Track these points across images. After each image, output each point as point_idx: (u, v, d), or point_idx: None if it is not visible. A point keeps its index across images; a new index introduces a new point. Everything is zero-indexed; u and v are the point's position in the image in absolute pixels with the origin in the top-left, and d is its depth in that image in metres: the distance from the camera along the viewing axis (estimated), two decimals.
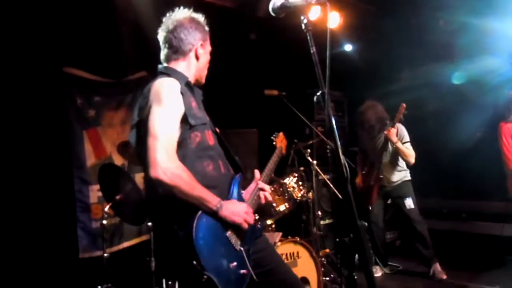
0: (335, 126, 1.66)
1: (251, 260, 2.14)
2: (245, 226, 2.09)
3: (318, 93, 1.74)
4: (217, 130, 2.36)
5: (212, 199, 2.00)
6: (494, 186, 4.44)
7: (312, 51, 1.77)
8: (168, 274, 3.56)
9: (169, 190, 1.94)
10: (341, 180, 1.59)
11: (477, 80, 5.11)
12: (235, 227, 2.08)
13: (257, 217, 3.53)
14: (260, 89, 4.00)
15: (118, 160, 4.49)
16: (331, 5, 1.83)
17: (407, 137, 4.74)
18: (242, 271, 2.07)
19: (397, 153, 4.70)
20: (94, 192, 4.39)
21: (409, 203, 4.66)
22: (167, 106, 2.02)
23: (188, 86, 2.24)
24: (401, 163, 4.80)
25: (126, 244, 4.60)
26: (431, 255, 4.49)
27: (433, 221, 6.12)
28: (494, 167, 4.49)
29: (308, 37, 1.82)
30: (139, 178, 4.68)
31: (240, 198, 2.24)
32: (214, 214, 2.01)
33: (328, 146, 4.35)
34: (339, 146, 1.63)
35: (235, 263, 2.04)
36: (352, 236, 1.53)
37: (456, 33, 5.20)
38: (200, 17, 2.33)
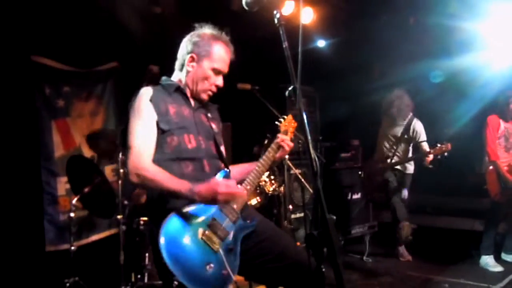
0: (306, 121, 1.68)
1: (237, 257, 2.08)
2: (231, 200, 2.08)
3: (290, 88, 1.75)
4: (215, 127, 2.40)
5: (182, 187, 2.00)
6: (468, 183, 4.55)
7: (284, 46, 1.78)
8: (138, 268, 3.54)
9: (147, 188, 2.17)
10: (312, 174, 1.60)
11: (455, 78, 5.23)
12: (212, 227, 2.04)
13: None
14: (233, 83, 3.99)
15: (87, 152, 4.41)
16: (304, 1, 1.84)
17: (424, 136, 4.99)
18: (223, 271, 2.02)
19: (409, 145, 5.11)
20: (62, 184, 4.31)
21: (405, 193, 5.14)
22: (138, 116, 2.16)
23: (180, 92, 2.32)
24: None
25: (95, 238, 4.54)
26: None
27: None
28: (468, 165, 4.58)
29: (281, 32, 1.82)
30: (108, 170, 4.62)
31: None
32: (193, 200, 2.00)
33: (299, 141, 4.37)
34: (310, 141, 1.64)
35: (212, 265, 1.98)
36: (321, 230, 1.54)
37: (427, 32, 5.30)
38: (212, 34, 2.33)
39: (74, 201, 3.56)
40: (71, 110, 4.50)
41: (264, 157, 2.35)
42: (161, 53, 3.72)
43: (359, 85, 6.23)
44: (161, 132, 2.16)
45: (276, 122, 2.64)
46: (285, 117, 2.67)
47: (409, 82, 5.59)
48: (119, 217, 3.53)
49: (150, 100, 2.17)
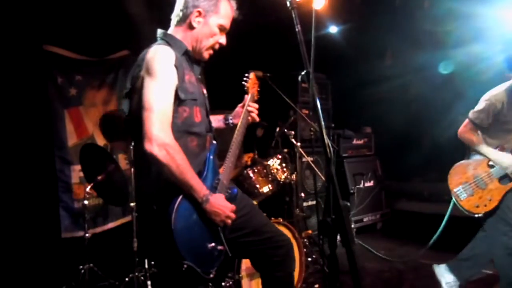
0: (319, 107, 1.66)
1: (227, 232, 2.12)
2: (221, 226, 2.06)
3: (303, 73, 1.73)
4: (205, 92, 2.31)
5: (200, 189, 1.96)
6: None
7: (297, 29, 1.75)
8: (150, 255, 3.57)
9: (160, 166, 1.89)
10: (326, 160, 1.59)
11: (465, 68, 5.11)
12: None
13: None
14: (245, 70, 3.96)
15: (100, 140, 4.44)
16: None
17: None
18: (219, 247, 2.07)
19: None
20: (76, 172, 4.35)
21: None
22: (160, 79, 1.95)
23: (187, 56, 2.17)
24: None
25: (110, 225, 4.59)
26: None
27: (414, 203, 6.26)
28: None
29: (293, 15, 1.79)
30: (121, 159, 4.65)
31: (215, 168, 2.17)
32: (197, 204, 1.98)
33: (311, 129, 4.35)
34: (323, 126, 1.62)
35: (213, 244, 2.04)
36: (334, 216, 1.54)
37: (443, 19, 5.20)
38: None
39: (88, 189, 3.59)
40: (83, 98, 4.52)
41: (238, 127, 2.37)
42: None
43: (371, 72, 6.15)
44: (177, 101, 2.01)
45: (243, 82, 2.60)
46: (248, 74, 2.63)
47: (423, 69, 5.52)
48: (132, 204, 3.56)
49: (175, 66, 2.00)
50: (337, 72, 6.02)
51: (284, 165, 3.87)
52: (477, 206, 3.35)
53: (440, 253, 4.59)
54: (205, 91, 2.30)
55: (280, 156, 3.88)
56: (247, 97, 2.50)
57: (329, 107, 6.01)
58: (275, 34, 5.05)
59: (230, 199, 2.16)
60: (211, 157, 2.16)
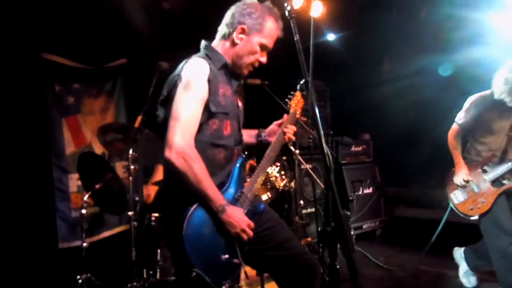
0: (318, 115, 1.65)
1: (245, 248, 2.10)
2: (236, 238, 2.04)
3: (302, 82, 1.72)
4: (240, 105, 2.34)
5: (216, 199, 1.97)
6: None
7: (295, 39, 1.76)
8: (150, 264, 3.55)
9: (178, 174, 1.94)
10: (325, 169, 1.58)
11: (463, 74, 5.11)
12: None
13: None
14: (243, 78, 3.96)
15: (98, 149, 4.43)
16: None
17: None
18: (235, 260, 2.05)
19: None
20: (74, 181, 4.33)
21: None
22: (192, 90, 2.01)
23: (226, 69, 2.20)
24: None
25: (106, 234, 4.56)
26: None
27: (413, 210, 6.24)
28: None
29: (292, 24, 1.80)
30: (119, 167, 4.63)
31: (240, 181, 2.18)
32: (213, 213, 1.98)
33: (310, 136, 4.34)
34: (322, 135, 1.62)
35: (227, 255, 2.03)
36: (334, 226, 1.52)
37: (440, 24, 5.22)
38: (266, 7, 2.21)
39: (85, 198, 3.56)
40: (81, 107, 4.52)
41: (273, 143, 2.35)
42: (170, 49, 3.71)
43: (369, 79, 6.16)
44: (208, 113, 2.06)
45: (286, 100, 2.58)
46: (293, 93, 2.59)
47: (419, 75, 5.53)
48: (130, 213, 3.53)
49: (208, 80, 2.05)
50: (335, 79, 6.03)
51: (283, 172, 3.87)
52: (472, 209, 3.51)
53: (440, 259, 4.59)
54: (240, 104, 2.33)
55: (279, 164, 3.87)
56: (287, 116, 2.46)
57: (328, 114, 6.01)
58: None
59: (254, 213, 2.16)
60: (237, 169, 2.18)
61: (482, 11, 4.69)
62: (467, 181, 3.52)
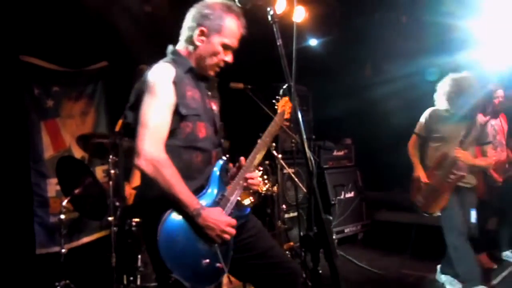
0: (301, 119, 1.65)
1: (230, 251, 2.08)
2: (218, 242, 2.01)
3: (284, 86, 1.72)
4: (215, 109, 2.28)
5: (190, 204, 1.94)
6: None
7: (278, 43, 1.75)
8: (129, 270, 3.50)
9: (149, 180, 1.93)
10: (308, 173, 1.58)
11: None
12: None
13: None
14: (226, 82, 3.95)
15: (78, 153, 4.36)
16: None
17: (490, 136, 4.05)
18: (217, 264, 2.02)
19: (472, 150, 3.87)
20: (52, 186, 4.25)
21: (474, 216, 3.78)
22: (158, 95, 1.98)
23: (192, 73, 2.16)
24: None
25: (86, 240, 4.49)
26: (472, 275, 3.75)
27: (394, 213, 6.28)
28: None
29: (275, 29, 1.79)
30: (99, 171, 4.57)
31: (221, 184, 2.14)
32: (189, 218, 1.95)
33: (293, 140, 4.35)
34: (305, 140, 1.61)
35: (208, 260, 1.99)
36: (316, 230, 1.52)
37: (420, 30, 5.28)
38: (224, 5, 2.14)
39: (64, 203, 3.50)
40: (60, 110, 4.45)
41: (257, 145, 2.33)
42: (152, 52, 3.67)
43: (351, 84, 6.21)
44: (179, 116, 2.03)
45: (273, 101, 2.57)
46: (281, 97, 2.56)
47: (401, 80, 5.59)
48: (110, 218, 3.48)
49: (174, 82, 2.02)
50: (318, 83, 6.06)
51: (265, 177, 3.86)
52: (432, 207, 3.89)
53: (421, 263, 4.63)
54: (214, 107, 2.29)
55: (261, 168, 3.85)
56: (244, 160, 2.30)
57: (310, 118, 6.04)
58: (255, 45, 5.06)
59: (239, 217, 2.13)
60: (217, 172, 2.14)
61: (465, 18, 4.78)
62: (426, 183, 3.89)
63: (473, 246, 3.96)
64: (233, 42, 2.18)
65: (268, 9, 1.81)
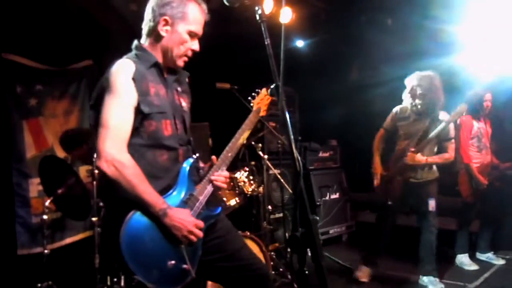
0: (289, 120, 1.64)
1: (198, 253, 2.04)
2: (185, 242, 1.96)
3: (272, 86, 1.71)
4: (185, 105, 2.23)
5: (155, 203, 1.89)
6: (443, 181, 4.55)
7: (266, 43, 1.74)
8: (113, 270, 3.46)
9: (111, 182, 1.87)
10: (295, 174, 1.57)
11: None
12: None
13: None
14: (212, 82, 3.94)
15: (61, 152, 4.29)
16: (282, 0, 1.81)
17: (452, 133, 4.13)
18: (184, 266, 1.97)
19: (434, 146, 4.08)
20: (34, 186, 4.18)
21: (433, 204, 4.03)
22: (117, 94, 1.92)
23: (157, 68, 2.09)
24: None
25: (69, 240, 4.42)
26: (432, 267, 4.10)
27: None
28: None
29: (263, 28, 1.78)
30: (82, 171, 4.51)
31: (190, 183, 2.09)
32: (155, 218, 1.91)
33: (279, 141, 4.35)
34: (292, 140, 1.61)
35: (173, 261, 1.94)
36: (303, 231, 1.51)
37: (406, 32, 5.33)
38: None
39: (47, 203, 3.45)
40: (43, 109, 4.37)
41: (228, 146, 2.27)
42: None
43: (337, 86, 6.24)
44: (141, 114, 1.96)
45: (249, 98, 2.55)
46: (258, 91, 2.55)
47: (387, 82, 5.63)
48: (94, 219, 3.44)
49: (133, 79, 1.94)
50: (304, 85, 6.07)
51: (251, 177, 3.86)
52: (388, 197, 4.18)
53: (404, 264, 4.67)
54: (184, 103, 2.23)
55: (247, 169, 3.85)
56: (215, 159, 2.24)
57: (296, 120, 6.05)
58: (242, 46, 5.06)
59: (208, 217, 2.09)
60: (185, 171, 2.09)
61: (451, 22, 4.84)
62: (382, 175, 4.24)
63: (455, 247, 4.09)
64: (198, 29, 2.12)
65: (256, 8, 1.80)
